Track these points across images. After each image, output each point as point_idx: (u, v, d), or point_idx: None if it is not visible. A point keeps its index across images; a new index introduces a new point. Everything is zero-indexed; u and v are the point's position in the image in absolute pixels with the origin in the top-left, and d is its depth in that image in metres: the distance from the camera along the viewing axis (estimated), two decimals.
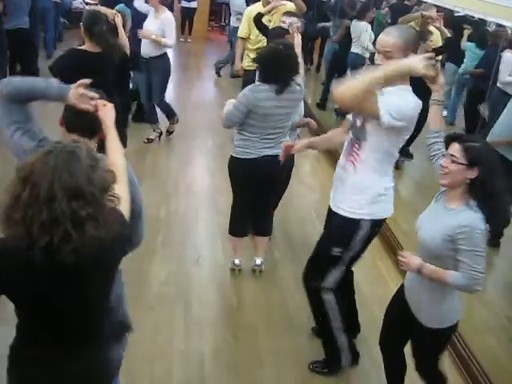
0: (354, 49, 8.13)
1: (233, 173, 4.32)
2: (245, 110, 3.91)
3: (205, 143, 7.30)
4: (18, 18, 7.53)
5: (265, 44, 5.47)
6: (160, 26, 6.45)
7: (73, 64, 4.24)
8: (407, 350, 3.05)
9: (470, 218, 2.54)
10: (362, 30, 7.98)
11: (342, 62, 8.28)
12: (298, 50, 4.26)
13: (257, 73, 4.24)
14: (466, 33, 8.45)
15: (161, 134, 7.07)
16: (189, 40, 13.65)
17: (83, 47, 4.48)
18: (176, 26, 6.86)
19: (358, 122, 3.07)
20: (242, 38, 6.59)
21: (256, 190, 4.21)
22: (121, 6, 6.39)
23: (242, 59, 6.67)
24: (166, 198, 5.66)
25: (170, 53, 12.37)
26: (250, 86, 4.00)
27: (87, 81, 2.23)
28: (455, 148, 2.57)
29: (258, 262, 4.50)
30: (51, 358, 1.93)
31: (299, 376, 3.54)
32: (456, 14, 7.38)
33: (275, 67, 3.85)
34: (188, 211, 5.49)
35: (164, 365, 3.50)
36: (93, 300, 1.92)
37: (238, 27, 7.35)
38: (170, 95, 9.26)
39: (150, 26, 6.46)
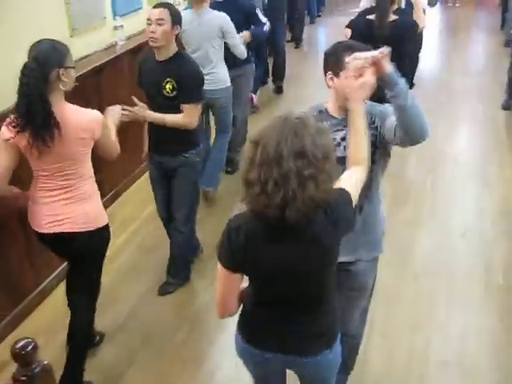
0: None
1: None
2: None
3: (474, 111, 6.87)
4: None
5: None
6: None
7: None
8: None
9: None
10: None
11: None
12: None
13: None
14: None
15: None
16: (457, 4, 12.96)
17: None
18: None
19: None
20: None
21: None
22: None
23: None
24: (433, 167, 5.49)
25: (438, 17, 11.97)
26: None
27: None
28: None
29: None
30: (277, 320, 2.04)
31: None
32: None
33: None
34: (455, 182, 5.26)
35: (423, 335, 3.44)
36: (318, 265, 1.95)
37: None
38: (437, 61, 8.96)
39: None
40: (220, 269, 1.97)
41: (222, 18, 4.52)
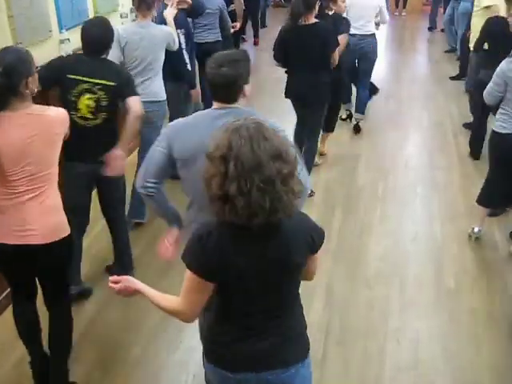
0: None
1: (490, 146, 4.32)
2: (501, 83, 3.96)
3: (421, 118, 7.03)
4: None
5: None
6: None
7: None
8: None
9: None
10: None
11: None
12: None
13: None
14: None
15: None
16: (403, 14, 13.28)
17: None
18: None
19: None
20: None
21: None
22: None
23: None
24: (383, 173, 5.58)
25: (385, 26, 12.23)
26: (507, 58, 3.97)
27: None
28: None
29: None
30: (244, 334, 1.97)
31: None
32: None
33: None
34: (406, 188, 5.36)
35: (377, 341, 3.47)
36: (292, 267, 1.94)
37: None
38: (384, 69, 9.15)
39: None
40: (190, 278, 1.88)
41: (167, 33, 4.54)
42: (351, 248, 4.34)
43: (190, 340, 2.84)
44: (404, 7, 13.32)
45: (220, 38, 6.67)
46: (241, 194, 1.72)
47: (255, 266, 1.86)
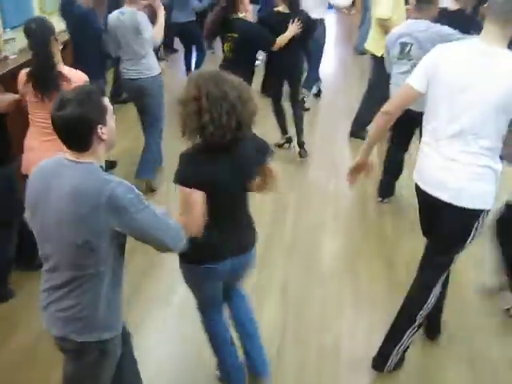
0: None
1: None
2: None
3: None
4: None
5: None
6: None
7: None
8: None
9: None
10: None
11: None
12: None
13: None
14: None
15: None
16: (352, 12, 13.38)
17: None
18: None
19: None
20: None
21: None
22: None
23: None
24: (335, 170, 5.64)
25: (333, 23, 12.23)
26: None
27: None
28: None
29: None
30: (226, 228, 2.57)
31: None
32: None
33: None
34: (355, 185, 5.35)
35: (332, 337, 3.51)
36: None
37: None
38: (333, 66, 9.20)
39: None
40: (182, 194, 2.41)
41: (133, 20, 4.68)
42: (305, 246, 4.35)
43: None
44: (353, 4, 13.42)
45: (193, 18, 7.34)
46: (212, 121, 2.21)
47: (224, 173, 2.36)
